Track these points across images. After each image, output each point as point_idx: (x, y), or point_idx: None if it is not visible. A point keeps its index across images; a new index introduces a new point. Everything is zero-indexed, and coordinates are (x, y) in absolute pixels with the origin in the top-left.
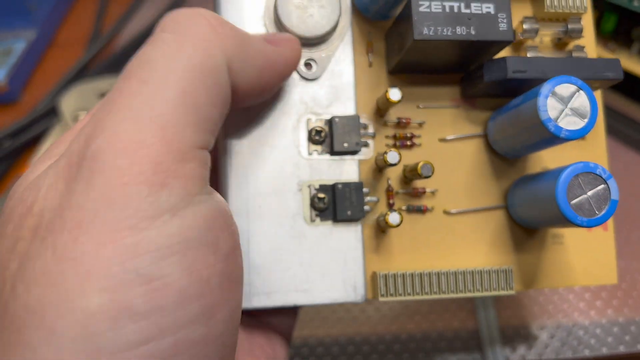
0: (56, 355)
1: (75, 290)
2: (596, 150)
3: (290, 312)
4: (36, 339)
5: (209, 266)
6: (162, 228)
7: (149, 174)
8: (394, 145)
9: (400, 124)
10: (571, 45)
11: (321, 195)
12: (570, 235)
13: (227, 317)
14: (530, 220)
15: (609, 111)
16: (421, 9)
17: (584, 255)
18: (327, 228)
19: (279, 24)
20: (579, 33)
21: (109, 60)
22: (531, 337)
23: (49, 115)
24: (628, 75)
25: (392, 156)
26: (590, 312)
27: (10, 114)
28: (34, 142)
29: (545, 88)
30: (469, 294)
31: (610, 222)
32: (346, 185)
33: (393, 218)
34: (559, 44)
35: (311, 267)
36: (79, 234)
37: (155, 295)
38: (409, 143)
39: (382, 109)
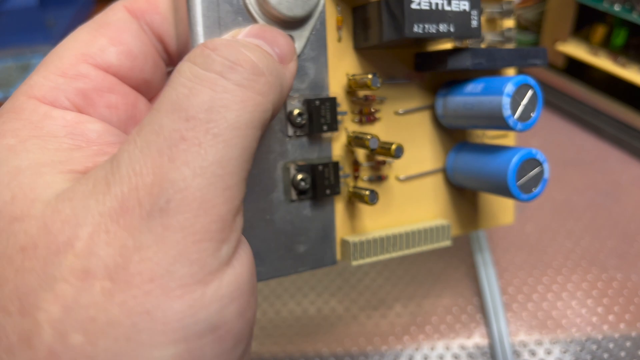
0: None
1: (150, 342)
2: None
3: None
4: None
5: (253, 308)
6: (222, 279)
7: (216, 232)
8: (360, 121)
9: (367, 100)
10: (502, 27)
11: (302, 176)
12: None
13: (250, 347)
14: (467, 185)
15: (622, 124)
16: (412, 5)
17: (488, 200)
18: (305, 204)
19: (263, 3)
20: (510, 13)
21: None
22: (544, 352)
23: None
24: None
25: (373, 142)
26: (603, 327)
27: None
28: None
29: (509, 88)
30: (413, 250)
31: None
32: (325, 165)
33: (372, 197)
34: (491, 23)
35: (290, 240)
36: (151, 289)
37: (221, 342)
38: (372, 118)
39: (354, 89)
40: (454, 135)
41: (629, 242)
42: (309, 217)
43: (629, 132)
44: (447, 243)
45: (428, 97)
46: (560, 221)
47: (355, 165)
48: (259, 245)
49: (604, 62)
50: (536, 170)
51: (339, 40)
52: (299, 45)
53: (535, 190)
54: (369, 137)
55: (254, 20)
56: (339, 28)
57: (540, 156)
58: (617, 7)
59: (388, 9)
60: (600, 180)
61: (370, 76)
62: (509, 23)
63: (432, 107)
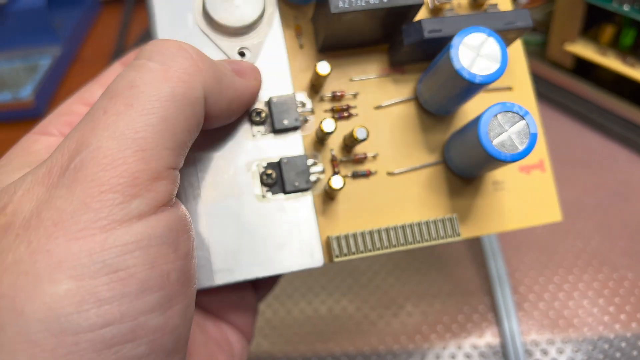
0: (23, 335)
1: (45, 277)
2: (524, 100)
3: (249, 309)
4: (5, 321)
5: (169, 262)
6: (128, 228)
7: (125, 186)
8: (333, 117)
9: (335, 97)
10: (486, 5)
11: (269, 171)
12: (509, 181)
13: (183, 310)
14: (465, 168)
15: (630, 124)
16: None
17: (526, 198)
18: (279, 202)
19: (208, 18)
20: None
21: None
22: (556, 351)
23: None
24: None
25: (327, 124)
26: (615, 326)
27: None
28: None
29: (456, 40)
30: (418, 245)
31: (547, 162)
32: (290, 159)
33: (336, 182)
34: (475, 5)
35: (268, 240)
36: (53, 231)
37: (118, 284)
38: (346, 114)
39: (316, 85)
40: (449, 123)
41: None
42: (287, 216)
43: (637, 131)
44: (457, 238)
45: (411, 89)
46: (571, 221)
47: (334, 161)
48: (234, 245)
49: (612, 62)
50: (518, 124)
51: (301, 47)
52: (254, 52)
53: (524, 148)
54: (324, 120)
55: (209, 38)
56: (297, 35)
57: (519, 109)
58: (626, 7)
59: (320, 2)
60: (610, 180)
61: (316, 64)
62: (494, 1)
63: (416, 98)
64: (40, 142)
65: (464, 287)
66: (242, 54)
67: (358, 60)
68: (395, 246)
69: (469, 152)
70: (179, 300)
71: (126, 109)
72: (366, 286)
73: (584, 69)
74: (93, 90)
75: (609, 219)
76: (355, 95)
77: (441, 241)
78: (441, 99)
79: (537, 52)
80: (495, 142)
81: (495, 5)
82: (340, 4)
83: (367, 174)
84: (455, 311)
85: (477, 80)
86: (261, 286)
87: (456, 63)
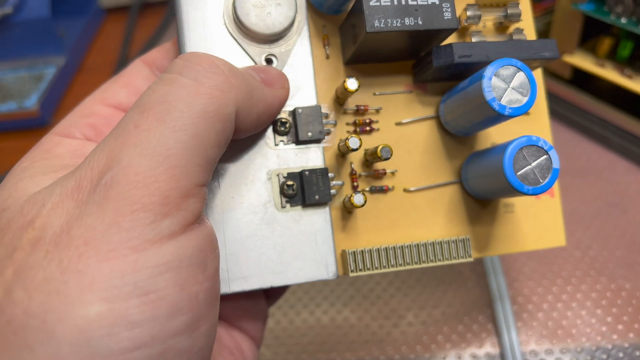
0: (53, 357)
1: (77, 298)
2: (540, 125)
3: (260, 316)
4: (35, 341)
5: (198, 283)
6: (159, 249)
7: (156, 205)
8: (355, 132)
9: (359, 111)
10: (512, 28)
11: (290, 182)
12: (520, 204)
13: (209, 331)
14: (482, 193)
15: (629, 135)
16: (371, 3)
17: (534, 222)
18: (297, 213)
19: (239, 23)
20: (517, 17)
21: None
22: None
23: None
24: None
25: (353, 142)
26: (613, 336)
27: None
28: None
29: (488, 71)
30: (431, 264)
31: (556, 189)
32: (312, 171)
33: (358, 199)
34: (501, 27)
35: (284, 250)
36: (85, 250)
37: (150, 306)
38: (368, 128)
39: (341, 98)
40: (467, 144)
41: (637, 252)
42: (304, 227)
43: (636, 142)
44: (468, 259)
45: (433, 107)
46: (569, 231)
47: (353, 175)
48: (250, 253)
49: (610, 74)
50: (542, 159)
51: (327, 57)
52: (281, 60)
53: (545, 182)
54: (350, 137)
55: (237, 43)
56: (325, 45)
57: (544, 143)
58: (623, 20)
59: (353, 15)
60: (608, 190)
61: (345, 79)
62: (519, 25)
63: (437, 117)
64: (63, 145)
65: (464, 297)
66: (269, 61)
67: (382, 74)
68: (409, 264)
69: (489, 178)
70: (206, 321)
71: (158, 124)
72: (367, 296)
73: (582, 79)
74: (114, 90)
75: (607, 229)
76: (378, 110)
77: (453, 261)
78: (465, 122)
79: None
80: (518, 174)
81: (522, 30)
82: (377, 24)
83: (384, 190)
84: (455, 321)
85: (506, 113)
86: (272, 293)
87: (488, 94)
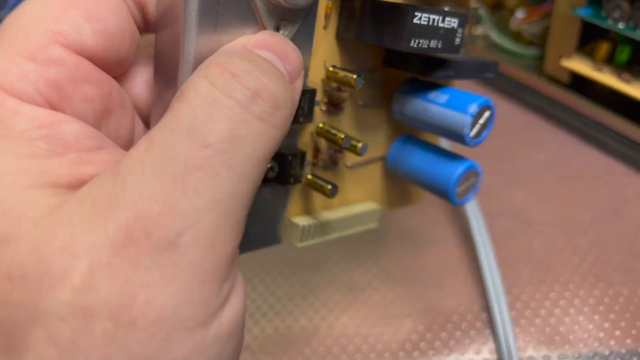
0: None
1: None
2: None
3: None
4: None
5: (243, 340)
6: (222, 319)
7: (222, 271)
8: (328, 111)
9: (340, 90)
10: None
11: (270, 164)
12: None
13: None
14: (405, 178)
15: (627, 140)
16: (415, 20)
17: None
18: (266, 189)
19: None
20: (475, 20)
21: None
22: None
23: None
24: None
25: (346, 141)
26: (610, 342)
27: None
28: None
29: (472, 109)
30: (356, 230)
31: None
32: (294, 156)
33: (332, 192)
34: None
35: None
36: (155, 332)
37: None
38: (339, 107)
39: (330, 79)
40: (401, 126)
41: (635, 258)
42: (267, 200)
43: (634, 147)
44: (374, 225)
45: (388, 91)
46: (567, 236)
47: (316, 152)
48: None
49: (608, 79)
50: (472, 180)
51: (325, 27)
52: (291, 31)
53: (467, 197)
54: (342, 135)
55: (254, 8)
56: (327, 16)
57: (478, 168)
58: (621, 25)
59: (381, 15)
60: (606, 195)
61: (354, 76)
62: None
63: (389, 102)
64: (26, 115)
65: (461, 304)
66: (277, 28)
67: (357, 51)
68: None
69: (421, 177)
70: None
71: (225, 170)
72: (366, 302)
73: (580, 83)
74: (73, 22)
75: (605, 235)
76: (350, 93)
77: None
78: (419, 126)
79: (534, 66)
80: (458, 191)
81: (472, 35)
82: (412, 44)
83: (335, 165)
84: (453, 328)
85: (470, 144)
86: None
87: (465, 129)
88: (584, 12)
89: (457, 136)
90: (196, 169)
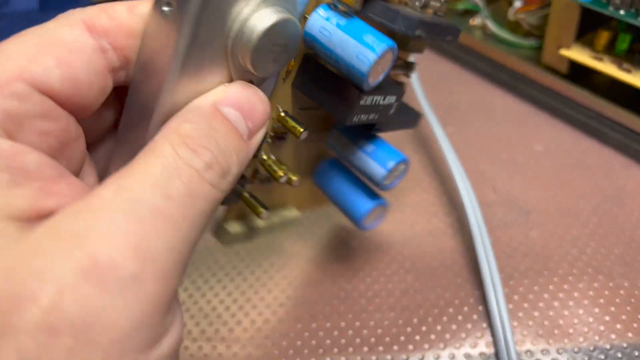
0: None
1: None
2: None
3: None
4: None
5: None
6: (163, 345)
7: (169, 304)
8: (272, 142)
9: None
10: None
11: None
12: None
13: None
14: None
15: (626, 130)
16: (361, 102)
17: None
18: None
19: (243, 63)
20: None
21: None
22: None
23: None
24: None
25: (284, 179)
26: (611, 336)
27: None
28: None
29: (390, 164)
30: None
31: None
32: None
33: (264, 216)
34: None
35: None
36: (111, 352)
37: None
38: (281, 138)
39: (281, 124)
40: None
41: (636, 250)
42: None
43: (634, 137)
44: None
45: (328, 124)
46: (566, 227)
47: (254, 174)
48: None
49: (608, 68)
50: (379, 211)
51: (284, 79)
52: (257, 84)
53: (373, 223)
54: (281, 173)
55: (228, 72)
56: (288, 71)
57: (384, 204)
58: (622, 12)
59: (332, 87)
60: (606, 186)
61: (301, 130)
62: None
63: (326, 133)
64: (27, 152)
65: (457, 296)
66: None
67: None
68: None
69: (340, 205)
70: None
71: (181, 220)
72: (363, 294)
73: (579, 74)
74: (44, 64)
75: (605, 226)
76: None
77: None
78: (343, 159)
79: (532, 57)
80: (363, 221)
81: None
82: (355, 119)
83: (270, 181)
84: (449, 321)
85: (383, 189)
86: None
87: (381, 179)
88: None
89: (373, 181)
90: (160, 215)
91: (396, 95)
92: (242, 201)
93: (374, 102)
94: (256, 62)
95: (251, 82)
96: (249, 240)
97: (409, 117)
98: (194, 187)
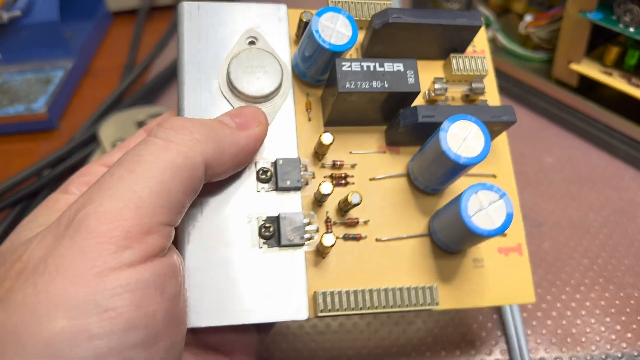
0: None
1: (45, 316)
2: (506, 186)
3: (250, 349)
4: (11, 352)
5: (156, 303)
6: (119, 274)
7: (119, 238)
8: (332, 182)
9: (336, 165)
10: (477, 101)
11: (267, 224)
12: (489, 259)
13: (168, 347)
14: (447, 242)
15: (636, 143)
16: (344, 68)
17: (503, 278)
18: (273, 254)
19: (231, 86)
20: (482, 90)
21: (143, 89)
22: None
23: (87, 144)
24: None
25: (326, 187)
26: (622, 344)
27: (49, 142)
28: (73, 170)
29: (446, 124)
30: (398, 309)
31: (524, 247)
32: (288, 215)
33: (327, 239)
34: (467, 100)
35: (258, 288)
36: (55, 275)
37: (107, 322)
38: (343, 182)
39: (319, 153)
40: (436, 201)
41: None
42: (278, 268)
43: None
44: (435, 307)
45: (404, 167)
46: (577, 239)
47: (327, 222)
48: (226, 290)
49: (618, 83)
50: (496, 203)
51: (309, 120)
52: (267, 119)
53: (500, 225)
54: (323, 182)
55: (229, 103)
56: (307, 109)
57: (498, 190)
58: (631, 29)
59: (330, 82)
60: (616, 198)
61: (322, 134)
62: (484, 97)
63: (408, 175)
64: (62, 200)
65: None
66: None
67: (358, 136)
68: (377, 308)
69: (451, 225)
70: (165, 338)
71: (129, 173)
72: None
73: (588, 87)
74: (114, 154)
75: (615, 238)
76: (353, 166)
77: (420, 308)
78: (429, 176)
79: (542, 70)
80: (474, 217)
81: (486, 101)
82: (347, 85)
83: (357, 238)
84: (464, 328)
85: (461, 162)
86: (263, 327)
87: (444, 144)
88: (595, 16)
89: (444, 158)
90: (110, 175)
91: (403, 63)
92: (317, 251)
93: (367, 68)
94: (233, 74)
95: None
96: (353, 312)
97: (484, 109)
98: (145, 147)
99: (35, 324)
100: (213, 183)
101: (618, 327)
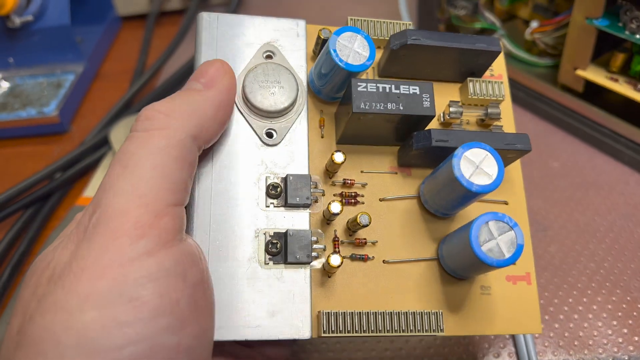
0: (60, 359)
1: (76, 310)
2: (518, 214)
3: (284, 345)
4: (47, 348)
5: (178, 290)
6: (141, 265)
7: (131, 229)
8: (341, 202)
9: (346, 184)
10: (492, 126)
11: (274, 241)
12: (496, 287)
13: (197, 332)
14: (455, 268)
15: (639, 147)
16: (359, 88)
17: (510, 306)
18: (278, 271)
19: (246, 100)
20: (497, 115)
21: (152, 94)
22: None
23: (99, 147)
24: None
25: (335, 206)
26: (629, 347)
27: (60, 145)
28: (84, 173)
29: (459, 150)
30: (403, 334)
31: (533, 276)
32: (296, 232)
33: (334, 259)
34: (482, 124)
35: (262, 305)
36: (81, 275)
37: (133, 310)
38: (353, 201)
39: (330, 171)
40: (446, 225)
41: None
42: (284, 285)
43: None
44: (440, 333)
45: (415, 189)
46: (583, 243)
47: (335, 241)
48: (231, 305)
49: (624, 89)
50: (507, 234)
51: (322, 137)
52: (280, 134)
53: (510, 256)
54: (332, 202)
55: (243, 117)
56: (320, 126)
57: (509, 220)
58: (638, 36)
59: (345, 101)
60: (622, 203)
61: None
62: (499, 123)
63: (418, 197)
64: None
65: None
66: (269, 135)
67: (371, 155)
68: (380, 332)
69: (459, 252)
70: (192, 324)
71: (123, 170)
72: None
73: (594, 93)
74: None
75: (621, 242)
76: (364, 185)
77: (425, 334)
78: (440, 200)
79: (548, 75)
80: (484, 247)
81: (500, 127)
82: (362, 106)
83: (364, 258)
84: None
85: (473, 189)
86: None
87: (457, 171)
88: (601, 23)
89: (457, 185)
90: (108, 177)
91: (419, 86)
92: (323, 270)
93: (380, 89)
94: (248, 88)
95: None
96: (359, 335)
97: (498, 136)
98: (132, 144)
99: (68, 318)
100: (222, 193)
101: (625, 331)
